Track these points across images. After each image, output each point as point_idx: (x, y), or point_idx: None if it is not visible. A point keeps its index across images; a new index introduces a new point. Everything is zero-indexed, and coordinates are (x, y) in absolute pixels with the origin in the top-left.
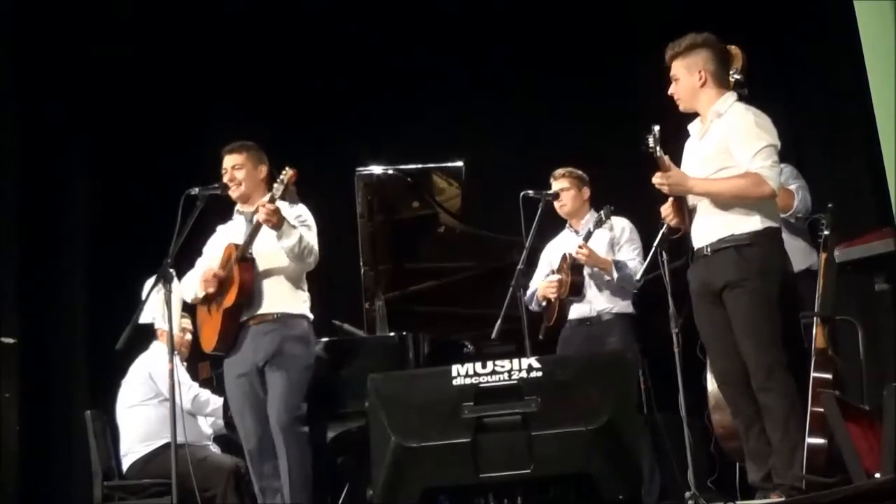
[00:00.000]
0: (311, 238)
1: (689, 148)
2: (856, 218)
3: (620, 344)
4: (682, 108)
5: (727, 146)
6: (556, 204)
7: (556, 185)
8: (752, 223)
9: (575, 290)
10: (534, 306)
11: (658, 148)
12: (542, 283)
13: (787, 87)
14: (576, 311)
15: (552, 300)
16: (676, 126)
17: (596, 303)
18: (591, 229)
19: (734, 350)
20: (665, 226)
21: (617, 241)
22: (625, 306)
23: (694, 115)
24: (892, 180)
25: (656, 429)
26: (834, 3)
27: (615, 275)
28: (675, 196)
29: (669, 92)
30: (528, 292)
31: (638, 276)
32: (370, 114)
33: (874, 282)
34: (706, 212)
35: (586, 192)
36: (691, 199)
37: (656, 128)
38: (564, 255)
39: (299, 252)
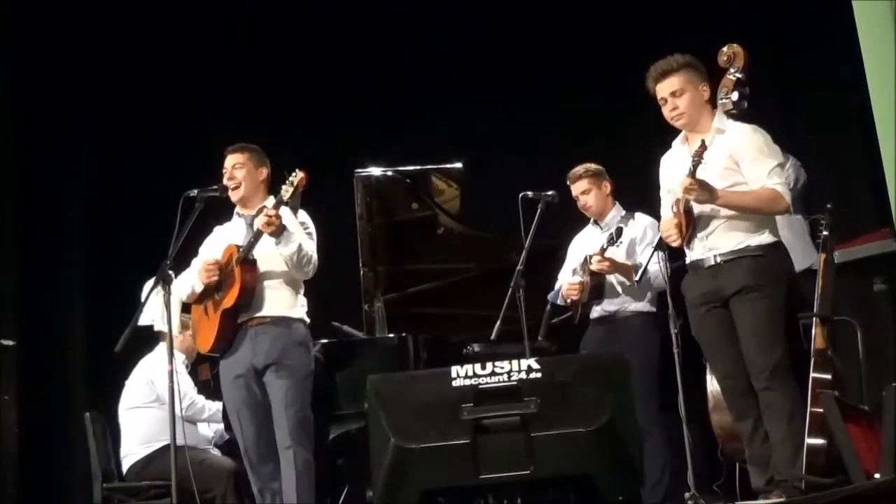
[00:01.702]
0: (312, 246)
1: (678, 164)
2: (855, 218)
3: (638, 342)
4: (683, 123)
5: (736, 161)
6: (582, 208)
7: (575, 188)
8: (764, 237)
9: (595, 294)
10: (560, 302)
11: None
12: (565, 284)
13: (786, 87)
14: (596, 310)
15: (575, 300)
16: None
17: (613, 301)
18: (605, 245)
19: (740, 354)
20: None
21: (638, 241)
22: (643, 304)
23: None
24: (891, 180)
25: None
26: (833, 4)
27: (636, 279)
28: (685, 210)
29: (670, 110)
30: (556, 287)
31: (638, 276)
32: (370, 115)
33: (873, 282)
34: (716, 226)
35: (606, 186)
36: (698, 211)
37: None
38: (586, 258)
39: (298, 260)
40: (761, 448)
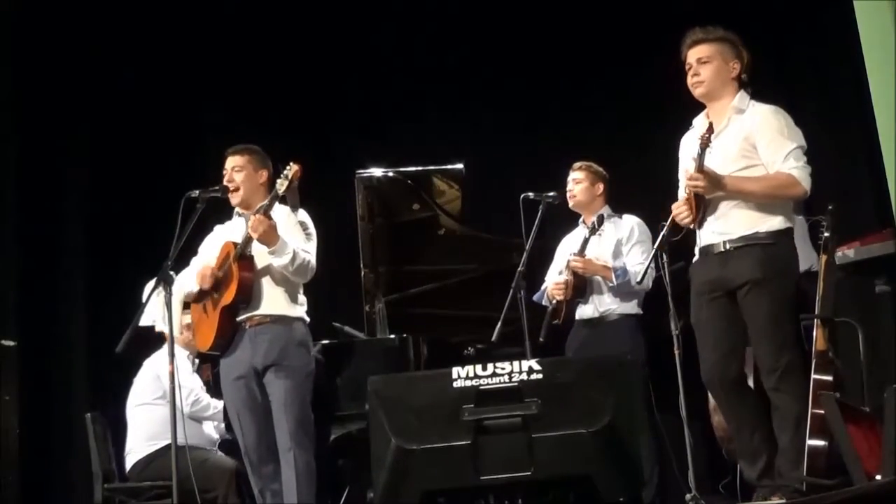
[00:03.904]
0: (310, 248)
1: (696, 142)
2: (856, 220)
3: (625, 345)
4: (700, 93)
5: (753, 144)
6: (568, 195)
7: (571, 175)
8: (776, 222)
9: (578, 293)
10: (545, 302)
11: (706, 152)
12: (550, 284)
13: (787, 87)
14: (581, 312)
15: (560, 300)
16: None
17: (600, 304)
18: (588, 236)
19: (737, 349)
20: (665, 227)
21: (625, 241)
22: (630, 307)
23: (700, 108)
24: (892, 182)
25: (657, 430)
26: (834, 3)
27: (615, 281)
28: (697, 194)
29: (692, 74)
30: (542, 288)
31: (639, 279)
32: (371, 116)
33: (874, 284)
34: (728, 209)
35: (600, 187)
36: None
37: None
38: (570, 257)
39: (294, 270)
40: (749, 440)
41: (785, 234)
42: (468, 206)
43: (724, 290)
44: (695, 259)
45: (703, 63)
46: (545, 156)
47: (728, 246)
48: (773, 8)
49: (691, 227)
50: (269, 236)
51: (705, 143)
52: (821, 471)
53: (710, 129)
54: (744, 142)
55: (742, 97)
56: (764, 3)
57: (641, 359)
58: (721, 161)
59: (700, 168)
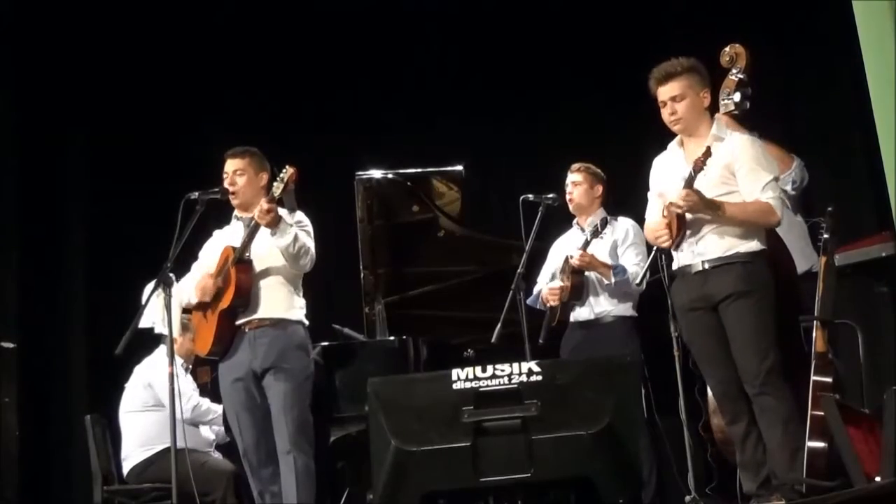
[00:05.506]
0: (309, 242)
1: (672, 167)
2: (856, 221)
3: (620, 347)
4: (680, 128)
5: (732, 171)
6: (567, 196)
7: (570, 177)
8: (753, 245)
9: (575, 294)
10: (539, 306)
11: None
12: (545, 288)
13: (787, 87)
14: (576, 314)
15: (554, 305)
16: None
17: (596, 305)
18: (589, 238)
19: (731, 359)
20: None
21: (620, 243)
22: (625, 308)
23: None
24: (891, 183)
25: (656, 432)
26: (833, 3)
27: (613, 279)
28: (678, 214)
29: (669, 114)
30: (535, 291)
31: (638, 280)
32: (371, 118)
33: (874, 285)
34: (707, 231)
35: (598, 189)
36: (689, 216)
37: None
38: (567, 258)
39: (295, 251)
40: (753, 452)
41: (761, 255)
42: (468, 208)
43: (708, 306)
44: (674, 281)
45: (678, 101)
46: (545, 157)
47: (707, 265)
48: (773, 8)
49: (669, 248)
50: (276, 220)
51: (699, 167)
52: (821, 472)
53: (708, 153)
54: (724, 169)
55: (719, 126)
56: (764, 3)
57: (636, 362)
58: (705, 186)
59: (690, 188)
